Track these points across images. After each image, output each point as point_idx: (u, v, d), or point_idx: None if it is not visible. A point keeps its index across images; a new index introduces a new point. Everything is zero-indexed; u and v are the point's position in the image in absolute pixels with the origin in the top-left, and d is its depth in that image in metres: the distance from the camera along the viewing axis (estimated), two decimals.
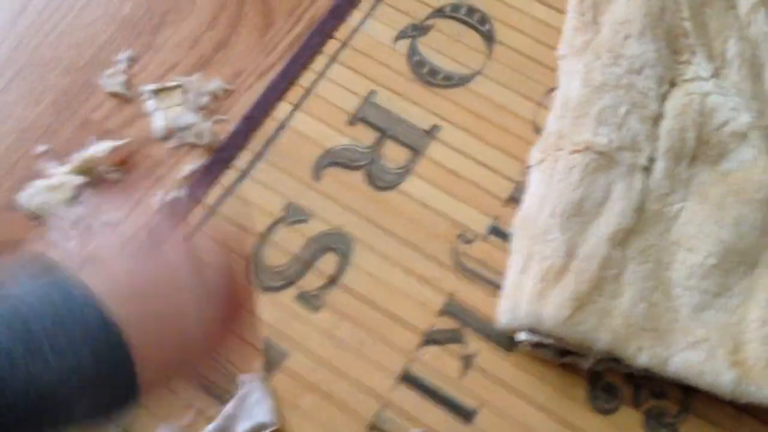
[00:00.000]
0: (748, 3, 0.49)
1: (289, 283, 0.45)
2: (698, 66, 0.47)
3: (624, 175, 0.44)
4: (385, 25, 0.52)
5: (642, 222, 0.43)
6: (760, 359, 0.39)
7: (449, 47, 0.51)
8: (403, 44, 0.51)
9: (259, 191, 0.47)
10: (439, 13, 0.52)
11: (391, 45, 0.51)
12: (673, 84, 0.47)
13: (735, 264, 0.41)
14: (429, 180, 0.47)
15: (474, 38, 0.52)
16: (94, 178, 0.48)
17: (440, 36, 0.52)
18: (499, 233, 0.46)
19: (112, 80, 0.51)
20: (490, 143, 0.48)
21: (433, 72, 0.51)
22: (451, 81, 0.50)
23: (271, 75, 0.51)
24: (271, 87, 0.50)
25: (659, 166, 0.44)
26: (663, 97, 0.46)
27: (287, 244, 0.46)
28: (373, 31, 0.52)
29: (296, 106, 0.50)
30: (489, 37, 0.52)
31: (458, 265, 0.45)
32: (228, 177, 0.48)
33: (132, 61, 0.51)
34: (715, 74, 0.47)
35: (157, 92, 0.50)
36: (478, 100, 0.50)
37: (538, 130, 0.48)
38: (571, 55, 0.49)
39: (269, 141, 0.49)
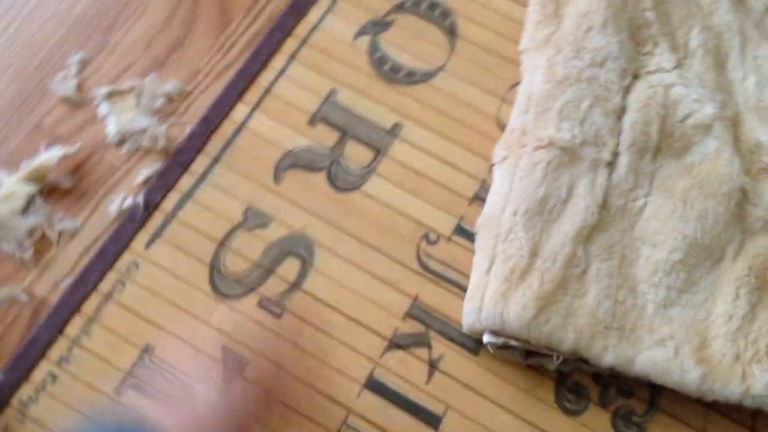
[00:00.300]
0: None
1: (250, 290, 0.44)
2: (661, 57, 0.46)
3: (587, 171, 0.43)
4: (345, 21, 0.51)
5: (606, 218, 0.42)
6: (726, 356, 0.38)
7: (411, 43, 0.50)
8: (364, 41, 0.50)
9: (218, 196, 0.46)
10: (400, 8, 0.51)
11: (352, 42, 0.50)
12: (636, 76, 0.46)
13: (700, 259, 0.41)
14: (392, 180, 0.46)
15: (436, 33, 0.51)
16: (46, 186, 0.46)
17: (401, 32, 0.51)
18: (464, 233, 0.45)
19: (63, 84, 0.49)
20: (453, 141, 0.47)
21: (395, 68, 0.50)
22: (413, 77, 0.49)
23: (229, 75, 0.49)
24: (229, 87, 0.49)
25: (623, 161, 0.43)
26: (626, 90, 0.45)
27: (247, 249, 0.44)
28: (332, 28, 0.50)
29: (255, 107, 0.48)
30: (451, 32, 0.51)
31: (423, 266, 0.44)
32: (185, 182, 0.46)
33: (84, 63, 0.50)
34: (678, 65, 0.46)
35: (110, 95, 0.49)
36: (441, 97, 0.49)
37: (501, 126, 0.47)
38: (534, 49, 0.48)
39: (227, 143, 0.47)
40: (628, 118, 0.44)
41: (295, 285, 0.44)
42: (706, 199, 0.42)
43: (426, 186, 0.46)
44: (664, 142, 0.44)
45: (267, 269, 0.44)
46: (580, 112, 0.44)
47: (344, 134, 0.48)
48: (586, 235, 0.41)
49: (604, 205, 0.42)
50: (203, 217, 0.45)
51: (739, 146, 0.44)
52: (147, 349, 0.42)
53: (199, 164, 0.47)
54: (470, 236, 0.44)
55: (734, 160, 0.43)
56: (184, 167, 0.47)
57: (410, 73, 0.49)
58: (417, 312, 0.43)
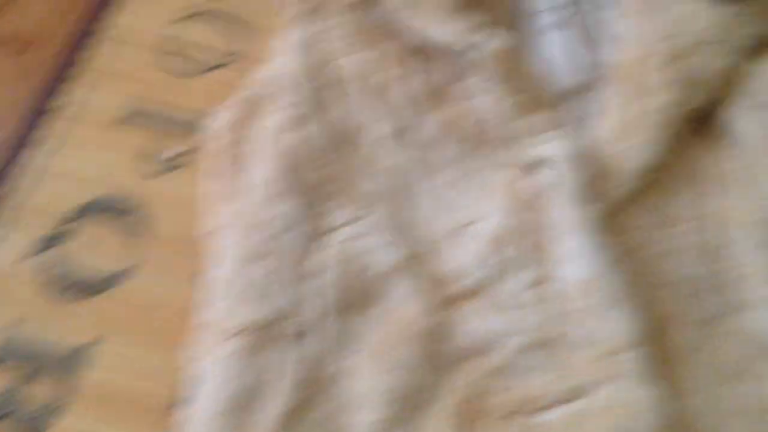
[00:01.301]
0: (374, 137, 0.49)
1: None
2: (342, 212, 0.47)
3: (284, 348, 0.41)
4: (14, 242, 0.46)
5: (311, 393, 0.40)
6: None
7: (94, 250, 0.47)
8: (39, 260, 0.46)
9: None
10: (78, 213, 0.48)
11: (25, 263, 0.46)
12: (320, 237, 0.46)
13: (407, 411, 0.39)
14: (84, 413, 0.41)
15: (122, 232, 0.48)
16: None
17: (82, 239, 0.47)
18: None
19: None
20: (151, 347, 0.44)
21: (77, 282, 0.46)
22: (99, 287, 0.46)
23: None
24: None
25: (321, 327, 0.42)
26: (312, 254, 0.45)
27: None
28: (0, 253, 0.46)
29: None
30: (139, 227, 0.48)
31: None
32: None
33: None
34: (360, 216, 0.47)
35: None
36: (134, 301, 0.45)
37: (198, 320, 0.45)
38: (219, 229, 0.46)
39: None
40: (318, 282, 0.44)
41: None
42: (402, 346, 0.41)
43: (124, 409, 0.41)
44: (356, 298, 0.43)
45: None
46: (269, 288, 0.43)
47: (25, 372, 0.42)
48: (291, 419, 0.39)
49: (306, 380, 0.40)
50: None
51: (429, 282, 0.45)
52: None
53: None
54: None
55: (422, 299, 0.43)
56: None
57: (95, 284, 0.46)
58: None
